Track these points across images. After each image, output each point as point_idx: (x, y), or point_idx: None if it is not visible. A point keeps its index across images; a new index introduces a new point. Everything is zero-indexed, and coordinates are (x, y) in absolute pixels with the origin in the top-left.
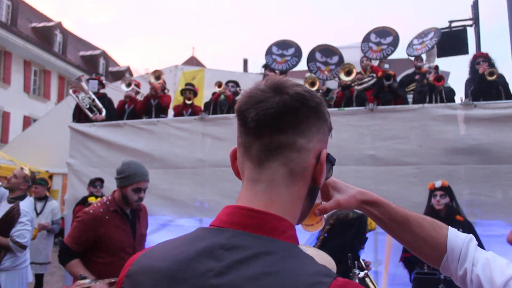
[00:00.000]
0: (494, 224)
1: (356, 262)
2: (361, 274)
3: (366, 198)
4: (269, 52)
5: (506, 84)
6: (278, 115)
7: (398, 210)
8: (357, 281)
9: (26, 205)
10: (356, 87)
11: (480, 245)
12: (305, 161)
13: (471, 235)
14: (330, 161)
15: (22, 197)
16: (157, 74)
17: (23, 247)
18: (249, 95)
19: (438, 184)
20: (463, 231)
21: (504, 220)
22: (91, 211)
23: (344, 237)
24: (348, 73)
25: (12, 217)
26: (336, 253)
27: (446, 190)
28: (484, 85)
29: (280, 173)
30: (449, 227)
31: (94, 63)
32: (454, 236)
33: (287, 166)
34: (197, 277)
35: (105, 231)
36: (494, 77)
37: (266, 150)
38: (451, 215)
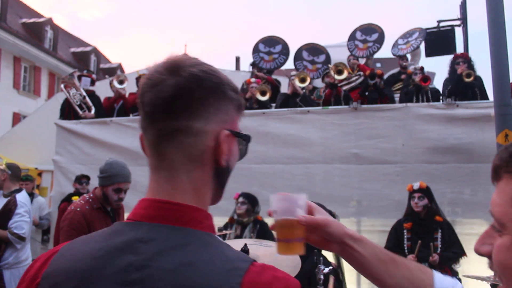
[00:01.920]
0: (475, 223)
1: (321, 258)
2: (326, 269)
3: (353, 233)
4: (256, 50)
5: (482, 87)
6: (171, 99)
7: (384, 250)
8: (321, 276)
9: (23, 196)
10: (344, 87)
11: (460, 245)
12: (202, 144)
13: (456, 281)
14: (243, 138)
15: (17, 191)
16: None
17: (21, 238)
18: (148, 77)
19: (416, 185)
20: (442, 232)
21: (484, 219)
22: (78, 209)
23: None
24: (339, 72)
25: (9, 209)
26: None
27: (424, 192)
28: (461, 85)
29: (178, 159)
30: (433, 270)
31: (85, 60)
32: (443, 278)
33: (184, 151)
34: (118, 273)
35: (92, 228)
36: (471, 79)
37: (161, 135)
38: (431, 216)
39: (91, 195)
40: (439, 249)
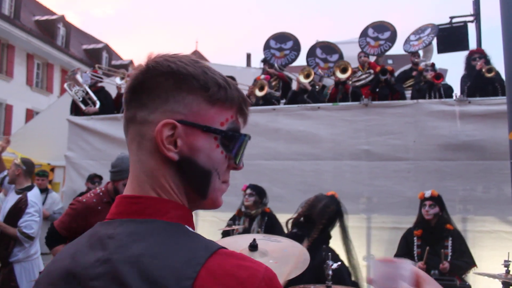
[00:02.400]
0: (486, 220)
1: (330, 253)
2: (335, 265)
3: None
4: (267, 47)
5: (502, 81)
6: (128, 90)
7: None
8: (330, 272)
9: (34, 195)
10: (354, 84)
11: (470, 255)
12: (148, 133)
13: None
14: (212, 132)
15: (29, 188)
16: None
17: (30, 238)
18: (134, 70)
19: (427, 193)
20: (453, 240)
21: (496, 216)
22: (84, 200)
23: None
24: (344, 71)
25: (19, 208)
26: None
27: (436, 200)
28: (481, 81)
29: (132, 149)
30: None
31: (97, 57)
32: None
33: (134, 141)
34: (87, 268)
35: (96, 221)
36: (492, 74)
37: (124, 126)
38: (441, 224)
39: (103, 188)
40: (449, 257)
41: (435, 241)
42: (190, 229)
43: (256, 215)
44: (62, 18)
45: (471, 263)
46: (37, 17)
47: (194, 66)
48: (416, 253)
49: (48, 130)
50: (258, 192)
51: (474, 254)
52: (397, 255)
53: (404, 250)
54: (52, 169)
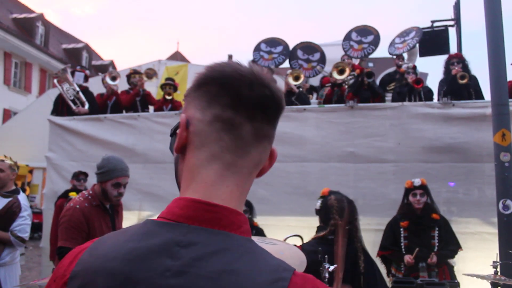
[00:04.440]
0: (470, 222)
1: (326, 256)
2: (331, 268)
3: None
4: (257, 49)
5: (477, 87)
6: (270, 106)
7: None
8: (326, 275)
9: (24, 198)
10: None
11: (456, 241)
12: (267, 153)
13: None
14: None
15: (16, 191)
16: (152, 73)
17: (24, 241)
18: (236, 68)
19: (417, 182)
20: (439, 229)
21: (479, 218)
22: (77, 206)
23: None
24: (341, 72)
25: (13, 211)
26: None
27: (425, 189)
28: (456, 86)
29: (254, 162)
30: None
31: (77, 57)
32: None
33: (260, 156)
34: (153, 278)
35: (91, 226)
36: (465, 81)
37: (255, 135)
38: (428, 213)
39: (90, 192)
40: (436, 247)
41: (422, 232)
42: (259, 244)
43: None
44: (41, 17)
45: (457, 249)
46: (14, 15)
47: None
48: (403, 244)
49: (26, 131)
50: (246, 207)
51: (458, 255)
52: (383, 245)
53: (391, 240)
54: (31, 171)
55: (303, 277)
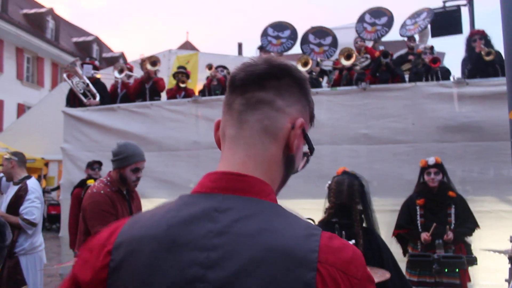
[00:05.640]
0: (485, 200)
1: (343, 232)
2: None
3: None
4: (264, 34)
5: (502, 62)
6: (263, 75)
7: None
8: None
9: (34, 183)
10: (355, 69)
11: (474, 219)
12: (281, 122)
13: None
14: (308, 145)
15: (27, 178)
16: (153, 60)
17: (32, 224)
18: (243, 63)
19: (431, 161)
20: (456, 207)
21: (495, 196)
22: (102, 192)
23: None
24: (348, 57)
25: (20, 195)
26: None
27: (439, 167)
28: (481, 63)
29: (256, 129)
30: None
31: (88, 50)
32: None
33: (262, 123)
34: (197, 239)
35: (116, 210)
36: (491, 57)
37: (247, 104)
38: (444, 191)
39: (108, 178)
40: (452, 225)
41: (438, 210)
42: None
43: None
44: (51, 11)
45: (474, 227)
46: (25, 11)
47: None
48: (420, 222)
49: (40, 125)
50: None
51: (474, 234)
52: (399, 224)
53: (407, 219)
54: (46, 164)
55: (330, 234)
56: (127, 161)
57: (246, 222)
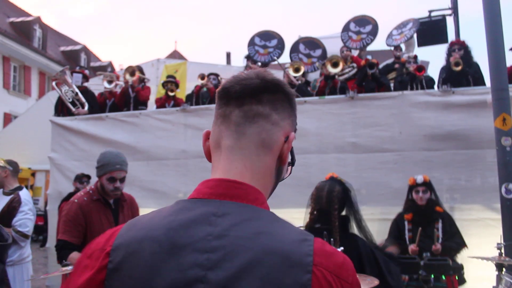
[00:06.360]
0: (473, 209)
1: (331, 239)
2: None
3: None
4: (251, 43)
5: (476, 74)
6: (259, 89)
7: None
8: None
9: (27, 194)
10: (338, 78)
11: (461, 236)
12: (276, 135)
13: None
14: (291, 157)
15: (19, 188)
16: (131, 70)
17: (25, 236)
18: (235, 76)
19: (420, 179)
20: (443, 222)
21: (482, 204)
22: (76, 200)
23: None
24: (335, 65)
25: (13, 207)
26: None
27: (428, 185)
28: (454, 73)
29: (254, 141)
30: None
31: (75, 59)
32: None
33: (260, 136)
34: (197, 242)
35: (89, 220)
36: (459, 68)
37: (245, 116)
38: (432, 207)
39: (92, 187)
40: (440, 239)
41: (426, 223)
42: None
43: None
44: (38, 20)
45: (462, 244)
46: (11, 19)
47: None
48: (408, 236)
49: (27, 134)
50: None
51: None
52: (389, 239)
53: (396, 234)
54: (33, 174)
55: (321, 239)
56: (103, 170)
57: (245, 226)
